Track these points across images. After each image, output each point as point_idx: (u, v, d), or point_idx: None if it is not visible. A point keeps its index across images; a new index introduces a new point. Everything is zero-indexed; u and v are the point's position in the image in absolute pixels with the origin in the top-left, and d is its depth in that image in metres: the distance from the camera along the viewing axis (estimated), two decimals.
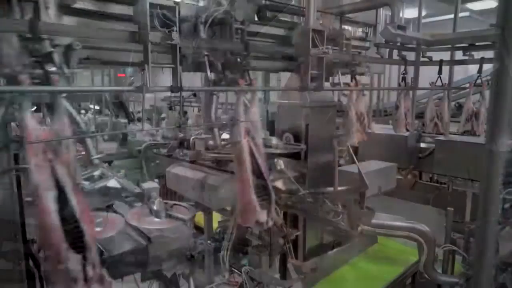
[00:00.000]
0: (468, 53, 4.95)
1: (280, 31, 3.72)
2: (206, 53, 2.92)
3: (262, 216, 2.75)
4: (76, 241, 1.90)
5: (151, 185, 3.43)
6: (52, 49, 2.01)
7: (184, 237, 3.02)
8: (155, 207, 3.12)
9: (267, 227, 2.89)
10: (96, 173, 3.72)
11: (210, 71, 2.99)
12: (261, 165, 2.75)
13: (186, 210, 3.09)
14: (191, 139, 3.87)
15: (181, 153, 4.02)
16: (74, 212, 1.88)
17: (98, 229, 2.61)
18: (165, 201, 3.31)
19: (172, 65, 2.26)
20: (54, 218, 1.80)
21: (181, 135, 4.11)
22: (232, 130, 2.72)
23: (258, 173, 2.75)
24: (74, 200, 1.89)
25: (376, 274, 4.39)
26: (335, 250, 4.75)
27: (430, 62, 5.12)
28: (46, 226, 1.80)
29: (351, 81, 4.32)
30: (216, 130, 3.53)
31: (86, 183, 3.34)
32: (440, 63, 5.03)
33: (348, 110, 4.08)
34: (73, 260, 1.85)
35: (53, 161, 1.83)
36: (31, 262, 2.42)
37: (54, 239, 1.80)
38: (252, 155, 2.69)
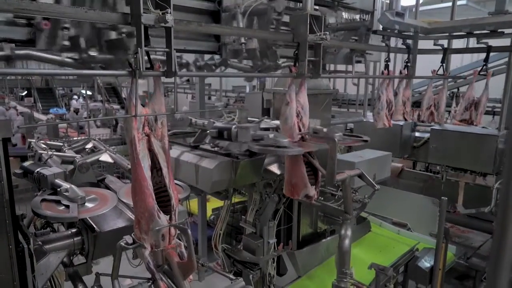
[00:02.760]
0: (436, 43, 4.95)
1: None
2: (243, 41, 3.17)
3: (311, 191, 3.06)
4: (164, 204, 2.19)
5: None
6: None
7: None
8: None
9: (314, 200, 3.17)
10: (88, 146, 3.65)
11: (249, 59, 3.27)
12: None
13: (181, 189, 2.94)
14: (233, 128, 3.30)
15: (211, 145, 3.59)
16: (164, 179, 2.18)
17: (91, 205, 2.56)
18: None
19: (166, 49, 2.17)
20: (149, 183, 2.07)
21: (216, 123, 3.54)
22: (285, 112, 3.01)
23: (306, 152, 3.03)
24: (165, 169, 2.17)
25: (369, 263, 4.42)
26: (328, 238, 4.77)
27: (425, 50, 5.05)
28: (142, 190, 2.06)
29: (385, 69, 4.51)
30: None
31: (78, 156, 3.24)
32: (444, 51, 4.94)
33: (381, 95, 4.43)
34: (163, 220, 2.11)
35: (150, 135, 2.13)
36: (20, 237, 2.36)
37: (148, 202, 2.06)
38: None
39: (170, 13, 2.04)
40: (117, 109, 14.62)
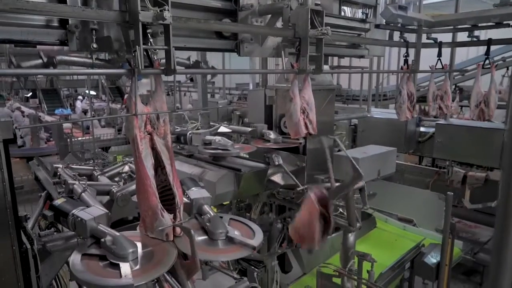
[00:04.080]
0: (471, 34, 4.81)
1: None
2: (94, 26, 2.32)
3: (317, 246, 2.76)
4: (168, 202, 2.18)
5: (200, 193, 2.46)
6: None
7: None
8: (210, 227, 2.27)
9: None
10: (125, 169, 3.17)
11: (101, 51, 2.56)
12: None
13: (251, 232, 2.36)
14: (188, 134, 3.68)
15: (178, 147, 3.89)
16: (168, 178, 2.16)
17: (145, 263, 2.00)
18: (220, 214, 2.51)
19: (165, 47, 2.15)
20: (152, 182, 2.06)
21: (177, 129, 3.92)
22: (290, 108, 3.05)
23: None
24: (169, 167, 2.16)
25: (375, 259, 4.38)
26: (334, 235, 4.72)
27: (432, 44, 4.98)
28: (145, 189, 2.06)
29: (404, 64, 4.54)
30: None
31: (114, 184, 2.75)
32: (489, 42, 4.75)
33: (401, 90, 4.53)
34: (166, 219, 2.10)
35: (152, 133, 2.12)
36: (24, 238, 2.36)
37: (151, 200, 2.06)
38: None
39: (168, 10, 2.02)
40: (122, 109, 14.68)
